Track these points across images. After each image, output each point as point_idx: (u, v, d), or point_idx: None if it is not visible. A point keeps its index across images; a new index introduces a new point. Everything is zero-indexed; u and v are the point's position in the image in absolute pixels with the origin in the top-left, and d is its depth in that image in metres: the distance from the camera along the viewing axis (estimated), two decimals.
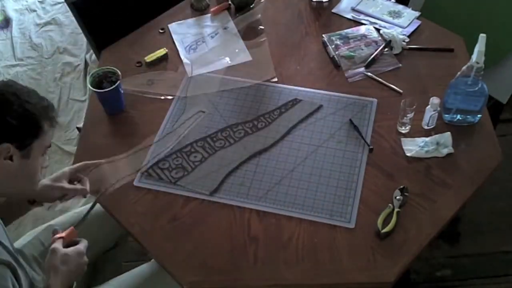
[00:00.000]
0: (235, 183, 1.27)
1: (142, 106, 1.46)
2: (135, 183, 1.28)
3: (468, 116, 1.34)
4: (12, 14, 3.06)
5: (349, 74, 1.51)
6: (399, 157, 1.30)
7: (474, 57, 1.24)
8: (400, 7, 1.70)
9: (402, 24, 1.63)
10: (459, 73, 1.32)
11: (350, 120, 1.38)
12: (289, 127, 1.38)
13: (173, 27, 1.69)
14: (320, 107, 1.42)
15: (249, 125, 1.39)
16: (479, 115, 1.34)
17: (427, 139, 1.31)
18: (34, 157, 1.08)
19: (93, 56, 2.58)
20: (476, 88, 1.28)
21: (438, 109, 1.30)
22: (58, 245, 1.09)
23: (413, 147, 1.30)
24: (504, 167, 1.31)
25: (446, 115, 1.35)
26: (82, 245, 1.12)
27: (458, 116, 1.34)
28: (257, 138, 1.36)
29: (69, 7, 1.70)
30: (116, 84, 1.37)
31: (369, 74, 1.49)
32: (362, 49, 1.56)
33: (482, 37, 1.23)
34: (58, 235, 1.12)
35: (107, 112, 1.44)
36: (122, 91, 1.42)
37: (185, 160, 1.31)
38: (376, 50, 1.54)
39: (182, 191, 1.26)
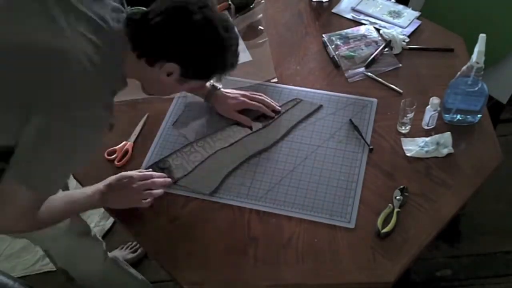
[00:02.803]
0: (235, 183, 1.27)
1: (142, 105, 1.46)
2: None
3: (468, 116, 1.34)
4: None
5: (349, 74, 1.50)
6: (399, 157, 1.30)
7: (474, 57, 1.24)
8: (400, 7, 1.70)
9: (402, 24, 1.63)
10: (459, 73, 1.32)
11: (350, 120, 1.38)
12: (289, 127, 1.38)
13: None
14: (320, 107, 1.42)
15: None
16: (479, 115, 1.34)
17: (427, 139, 1.31)
18: (183, 88, 1.13)
19: None
20: (476, 88, 1.28)
21: (438, 109, 1.30)
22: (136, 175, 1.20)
23: (413, 147, 1.30)
24: (504, 167, 1.30)
25: (446, 115, 1.35)
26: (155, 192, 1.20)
27: (458, 116, 1.34)
28: (257, 138, 1.36)
29: None
30: None
31: (369, 74, 1.49)
32: (362, 49, 1.56)
33: (482, 37, 1.23)
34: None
35: None
36: None
37: (185, 160, 1.31)
38: (376, 50, 1.54)
39: (182, 191, 1.26)
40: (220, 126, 1.39)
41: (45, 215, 1.02)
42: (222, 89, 1.38)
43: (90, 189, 1.15)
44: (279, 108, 1.40)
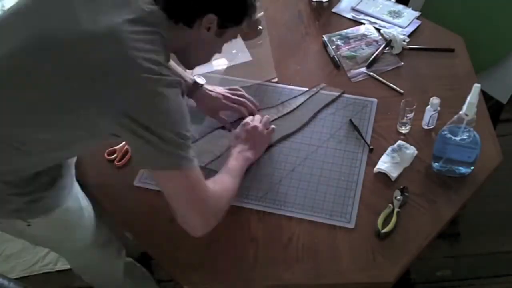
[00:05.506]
0: None
1: None
2: (135, 183, 1.28)
3: (460, 168, 1.23)
4: None
5: (352, 74, 1.50)
6: None
7: (464, 107, 1.14)
8: (400, 7, 1.71)
9: (402, 24, 1.63)
10: (448, 122, 1.20)
11: (350, 120, 1.38)
12: (302, 122, 1.38)
13: None
14: (341, 94, 1.44)
15: None
16: (472, 167, 1.23)
17: (389, 148, 1.28)
18: (222, 40, 1.11)
19: None
20: (469, 140, 1.17)
21: (438, 108, 1.29)
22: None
23: (384, 163, 1.25)
24: (504, 167, 1.30)
25: (436, 164, 1.25)
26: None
27: (448, 166, 1.24)
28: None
29: None
30: None
31: (371, 73, 1.49)
32: (363, 49, 1.56)
33: (476, 87, 1.12)
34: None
35: None
36: None
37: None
38: (377, 50, 1.54)
39: None
40: (220, 126, 1.39)
41: (221, 193, 1.09)
42: (205, 86, 1.36)
43: (231, 159, 1.22)
44: (256, 111, 1.40)
